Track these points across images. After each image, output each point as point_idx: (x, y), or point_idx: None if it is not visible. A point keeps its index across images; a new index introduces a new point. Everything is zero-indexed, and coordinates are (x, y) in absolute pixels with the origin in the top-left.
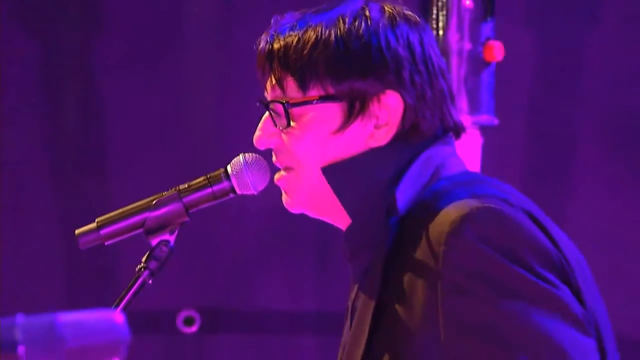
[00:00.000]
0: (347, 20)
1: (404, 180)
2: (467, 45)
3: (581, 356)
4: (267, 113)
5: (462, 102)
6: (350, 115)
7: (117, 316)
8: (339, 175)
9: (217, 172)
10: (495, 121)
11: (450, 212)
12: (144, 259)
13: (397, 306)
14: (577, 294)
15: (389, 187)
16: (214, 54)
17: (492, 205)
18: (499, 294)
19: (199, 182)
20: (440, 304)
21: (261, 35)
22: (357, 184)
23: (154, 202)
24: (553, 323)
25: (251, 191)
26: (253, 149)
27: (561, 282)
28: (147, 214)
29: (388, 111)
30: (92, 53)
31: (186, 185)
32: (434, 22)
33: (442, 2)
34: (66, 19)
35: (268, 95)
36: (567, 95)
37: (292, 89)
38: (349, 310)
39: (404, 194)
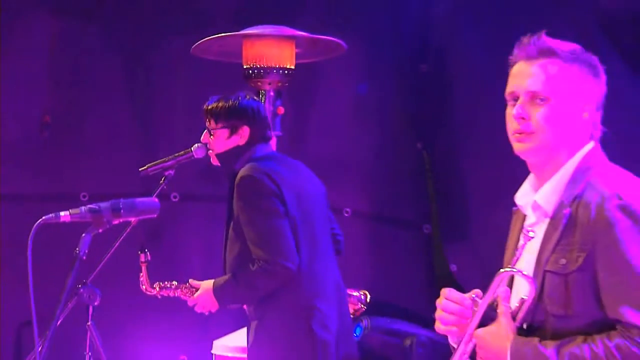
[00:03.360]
0: (230, 98)
1: (242, 157)
2: (270, 108)
3: (281, 230)
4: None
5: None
6: (231, 134)
7: (154, 200)
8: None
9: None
10: (279, 134)
11: (242, 172)
12: (161, 180)
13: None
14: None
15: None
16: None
17: (252, 172)
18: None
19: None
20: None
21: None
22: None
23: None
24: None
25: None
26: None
27: (279, 202)
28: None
29: (243, 133)
30: None
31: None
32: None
33: (263, 95)
34: None
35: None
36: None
37: (212, 124)
38: None
39: (240, 162)
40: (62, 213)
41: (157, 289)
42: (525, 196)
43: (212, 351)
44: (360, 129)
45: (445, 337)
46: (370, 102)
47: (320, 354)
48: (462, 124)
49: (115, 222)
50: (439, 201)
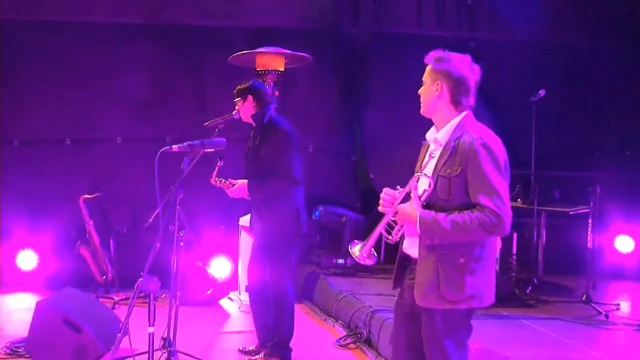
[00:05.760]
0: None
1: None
2: (270, 91)
3: (294, 159)
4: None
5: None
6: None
7: (223, 139)
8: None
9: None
10: (274, 106)
11: (272, 125)
12: (216, 130)
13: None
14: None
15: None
16: None
17: (280, 126)
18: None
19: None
20: None
21: None
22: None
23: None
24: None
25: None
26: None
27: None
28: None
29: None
30: None
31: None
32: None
33: (267, 85)
34: None
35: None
36: None
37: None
38: None
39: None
40: (173, 146)
41: (217, 181)
42: (430, 135)
43: (239, 223)
44: (316, 98)
45: (364, 216)
46: (318, 80)
47: (295, 220)
48: (381, 87)
49: (202, 151)
50: (362, 140)
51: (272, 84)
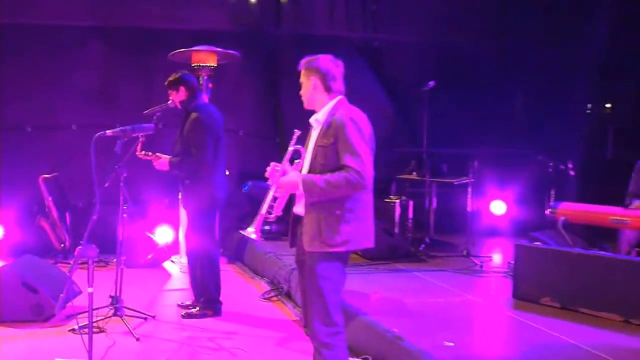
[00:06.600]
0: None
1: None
2: (204, 84)
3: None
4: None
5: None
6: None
7: (151, 125)
8: None
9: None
10: (208, 96)
11: (194, 114)
12: (154, 117)
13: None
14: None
15: None
16: None
17: (199, 115)
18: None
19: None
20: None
21: None
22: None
23: None
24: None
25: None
26: None
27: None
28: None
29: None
30: None
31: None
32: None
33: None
34: None
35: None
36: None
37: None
38: None
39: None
40: (107, 131)
41: (143, 154)
42: (314, 118)
43: (179, 197)
44: (244, 89)
45: None
46: (246, 74)
47: (209, 197)
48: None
49: (134, 135)
50: (284, 125)
51: (206, 77)
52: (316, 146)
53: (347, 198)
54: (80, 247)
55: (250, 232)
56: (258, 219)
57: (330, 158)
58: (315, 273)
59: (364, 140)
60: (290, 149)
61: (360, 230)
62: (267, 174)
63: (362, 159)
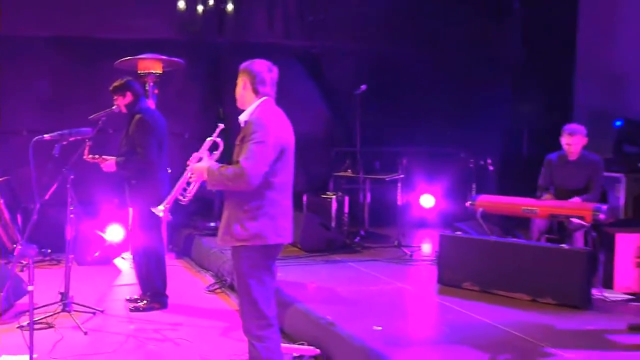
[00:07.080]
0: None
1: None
2: (150, 90)
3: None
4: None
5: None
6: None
7: (89, 129)
8: None
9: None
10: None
11: (137, 116)
12: (99, 122)
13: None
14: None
15: None
16: None
17: (144, 116)
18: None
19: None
20: None
21: None
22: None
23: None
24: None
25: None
26: None
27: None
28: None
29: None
30: None
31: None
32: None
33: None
34: None
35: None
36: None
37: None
38: None
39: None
40: (45, 135)
41: (91, 157)
42: (240, 117)
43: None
44: (189, 95)
45: None
46: (191, 80)
47: (153, 194)
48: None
49: (72, 139)
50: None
51: (152, 84)
52: (235, 144)
53: (253, 197)
54: (19, 246)
55: (160, 209)
56: (168, 199)
57: (238, 153)
58: (239, 270)
59: (264, 142)
60: (209, 139)
61: (269, 226)
62: (188, 162)
63: (255, 159)
